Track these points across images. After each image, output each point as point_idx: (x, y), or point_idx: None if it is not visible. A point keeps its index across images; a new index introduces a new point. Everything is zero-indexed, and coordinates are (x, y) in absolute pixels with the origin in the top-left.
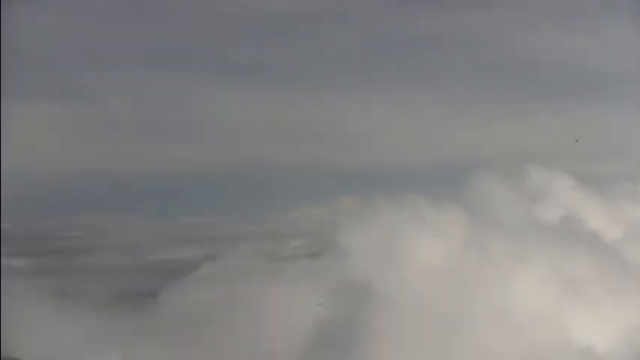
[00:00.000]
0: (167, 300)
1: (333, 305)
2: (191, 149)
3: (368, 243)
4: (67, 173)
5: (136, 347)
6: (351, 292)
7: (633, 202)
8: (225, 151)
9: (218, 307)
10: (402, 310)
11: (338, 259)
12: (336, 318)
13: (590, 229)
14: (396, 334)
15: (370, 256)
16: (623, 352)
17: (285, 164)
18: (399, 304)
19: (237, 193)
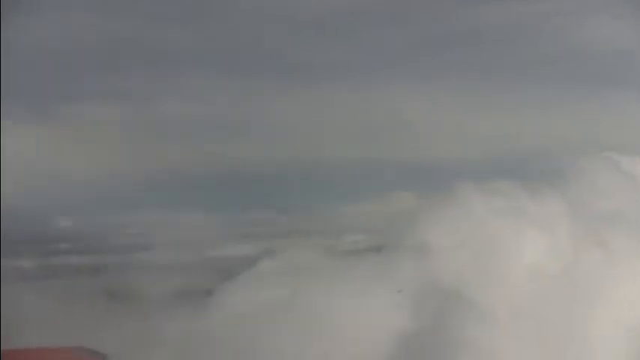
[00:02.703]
0: (223, 298)
1: (412, 312)
2: (248, 147)
3: (446, 236)
4: (126, 172)
5: (188, 350)
6: (432, 295)
7: None
8: (280, 149)
9: (279, 306)
10: (498, 322)
11: (413, 255)
12: (416, 327)
13: None
14: (491, 353)
15: (451, 252)
16: None
17: (341, 159)
18: (495, 314)
19: (291, 189)
